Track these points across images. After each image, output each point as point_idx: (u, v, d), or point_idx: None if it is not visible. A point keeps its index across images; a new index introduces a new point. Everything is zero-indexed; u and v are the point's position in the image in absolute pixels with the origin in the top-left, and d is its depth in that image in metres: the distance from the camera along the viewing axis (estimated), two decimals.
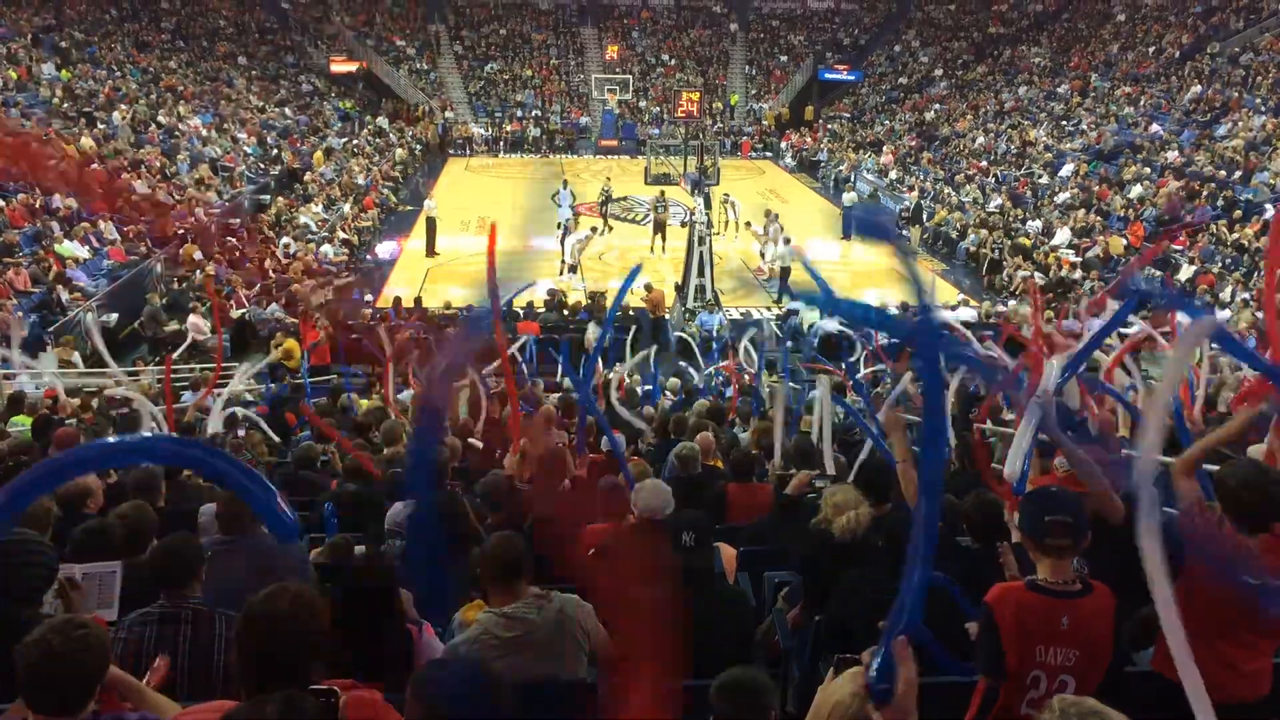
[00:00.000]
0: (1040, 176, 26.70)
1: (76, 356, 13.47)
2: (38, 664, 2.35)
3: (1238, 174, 21.92)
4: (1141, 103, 28.50)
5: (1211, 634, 3.20)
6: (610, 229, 24.27)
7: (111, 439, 5.37)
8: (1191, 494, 3.47)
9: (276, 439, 9.49)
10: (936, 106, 36.83)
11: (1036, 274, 20.22)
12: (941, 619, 3.47)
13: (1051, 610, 2.98)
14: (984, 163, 29.36)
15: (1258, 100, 25.07)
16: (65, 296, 15.56)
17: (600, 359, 10.44)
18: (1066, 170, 26.23)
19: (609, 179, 26.50)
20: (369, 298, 18.49)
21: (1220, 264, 18.78)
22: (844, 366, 10.59)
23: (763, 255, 21.73)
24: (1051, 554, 3.03)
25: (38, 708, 2.36)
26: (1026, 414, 3.88)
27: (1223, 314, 16.50)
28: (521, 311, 16.64)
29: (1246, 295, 16.85)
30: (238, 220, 19.00)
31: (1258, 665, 3.30)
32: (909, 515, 4.35)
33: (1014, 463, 3.73)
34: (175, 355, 12.82)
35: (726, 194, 24.93)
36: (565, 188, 24.06)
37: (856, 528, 4.16)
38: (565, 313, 17.49)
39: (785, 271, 19.67)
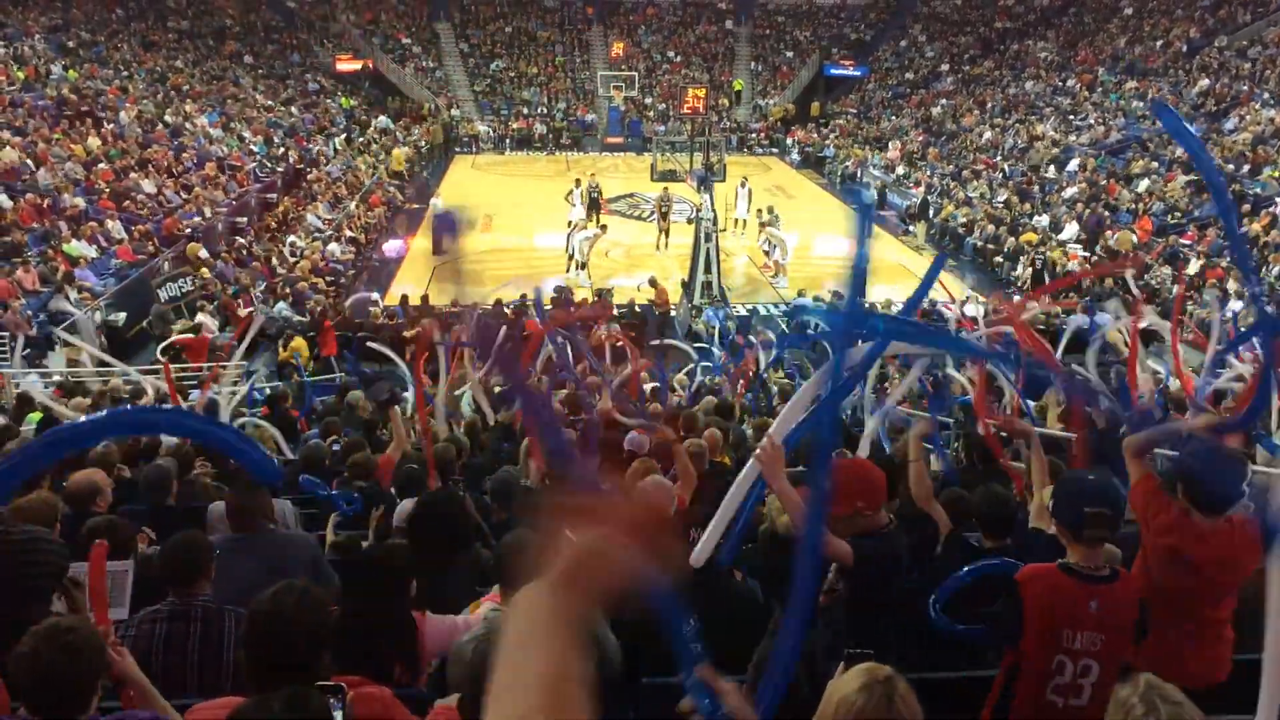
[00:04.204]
0: (1047, 170, 26.62)
1: (85, 356, 13.52)
2: (31, 677, 2.34)
3: (1246, 168, 21.84)
4: (1149, 97, 28.38)
5: (1175, 618, 3.27)
6: (604, 227, 24.13)
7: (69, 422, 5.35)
8: (1139, 473, 3.53)
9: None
10: (943, 102, 36.74)
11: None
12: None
13: (1081, 594, 3.00)
14: (995, 158, 29.28)
15: (1266, 94, 24.96)
16: (73, 296, 15.61)
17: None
18: (1073, 165, 26.14)
19: (593, 174, 26.28)
20: (375, 295, 18.51)
21: (1228, 258, 18.71)
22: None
23: (768, 253, 21.71)
24: (1087, 543, 3.05)
25: (41, 715, 2.36)
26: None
27: (1235, 305, 16.44)
28: (530, 308, 16.62)
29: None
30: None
31: (1217, 652, 3.34)
32: (917, 510, 4.35)
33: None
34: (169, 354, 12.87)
35: (745, 178, 24.92)
36: (579, 187, 24.11)
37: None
38: (573, 309, 17.48)
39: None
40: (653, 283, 17.65)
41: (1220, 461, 3.29)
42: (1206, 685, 3.16)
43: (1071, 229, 22.22)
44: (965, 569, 3.49)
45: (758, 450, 3.12)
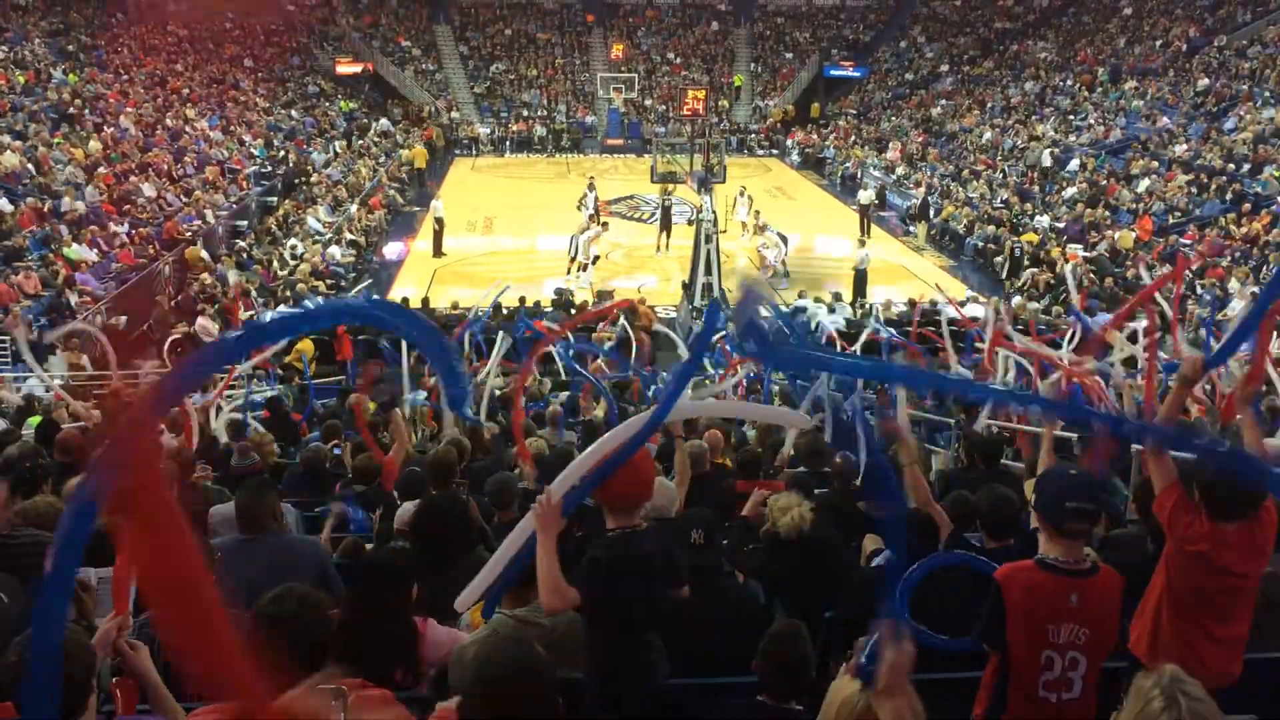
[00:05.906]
0: (1040, 157, 26.69)
1: (85, 360, 13.52)
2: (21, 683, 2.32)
3: (1246, 167, 21.84)
4: (1149, 96, 28.38)
5: (1199, 618, 3.27)
6: (605, 225, 24.08)
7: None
8: (1166, 481, 3.47)
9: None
10: (943, 102, 36.74)
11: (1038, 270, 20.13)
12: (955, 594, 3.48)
13: (1061, 588, 2.99)
14: (995, 158, 29.28)
15: (1266, 94, 24.96)
16: (74, 300, 15.61)
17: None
18: (1074, 165, 26.14)
19: (591, 179, 26.28)
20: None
21: (1229, 258, 18.71)
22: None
23: (764, 255, 21.71)
24: (1067, 537, 3.03)
25: None
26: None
27: (1235, 305, 16.45)
28: (529, 311, 16.60)
29: (1255, 289, 16.80)
30: None
31: (1233, 634, 3.32)
32: (920, 515, 4.34)
33: None
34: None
35: (743, 187, 24.95)
36: (591, 190, 24.13)
37: (801, 524, 4.31)
38: (573, 311, 17.45)
39: (862, 274, 19.36)
40: (632, 308, 17.63)
41: (1239, 464, 3.14)
42: (1220, 686, 3.17)
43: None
44: (917, 564, 3.45)
45: (535, 505, 3.10)
